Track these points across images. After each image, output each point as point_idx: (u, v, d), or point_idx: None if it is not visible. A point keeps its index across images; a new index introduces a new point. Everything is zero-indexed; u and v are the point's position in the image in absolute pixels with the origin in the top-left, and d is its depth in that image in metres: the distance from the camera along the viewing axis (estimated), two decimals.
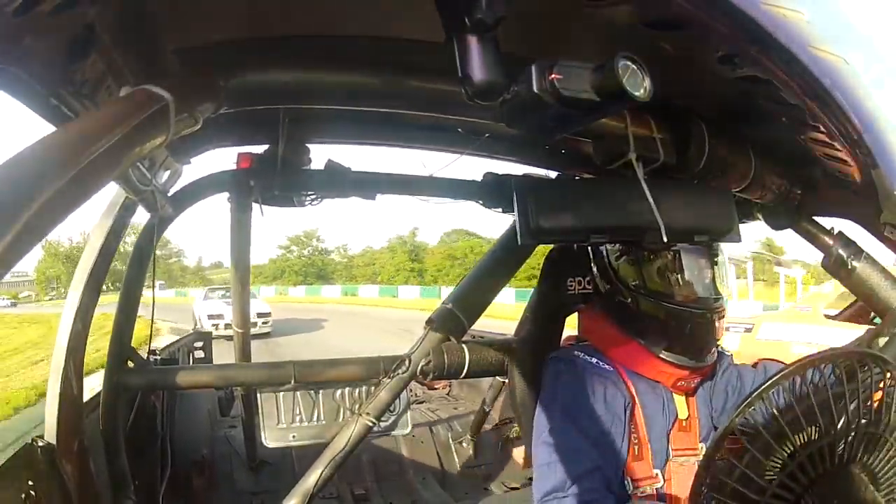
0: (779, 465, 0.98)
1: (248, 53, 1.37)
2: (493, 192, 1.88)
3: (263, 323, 19.93)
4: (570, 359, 1.69)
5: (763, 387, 0.98)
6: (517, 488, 3.58)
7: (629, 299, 1.67)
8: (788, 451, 0.97)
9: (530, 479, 3.31)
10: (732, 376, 1.78)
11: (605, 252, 1.74)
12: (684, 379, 1.64)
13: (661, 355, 1.62)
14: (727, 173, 1.71)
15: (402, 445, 3.71)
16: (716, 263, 1.70)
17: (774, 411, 0.98)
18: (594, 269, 1.80)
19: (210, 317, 18.46)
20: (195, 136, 1.29)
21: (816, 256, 1.83)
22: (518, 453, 3.74)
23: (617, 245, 1.72)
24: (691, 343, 1.63)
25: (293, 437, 2.17)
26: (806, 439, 0.97)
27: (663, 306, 1.62)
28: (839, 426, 0.97)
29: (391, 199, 1.98)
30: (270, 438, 2.16)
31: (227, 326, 18.63)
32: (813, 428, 0.97)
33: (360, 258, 76.81)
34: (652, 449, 1.60)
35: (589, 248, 1.81)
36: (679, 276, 1.66)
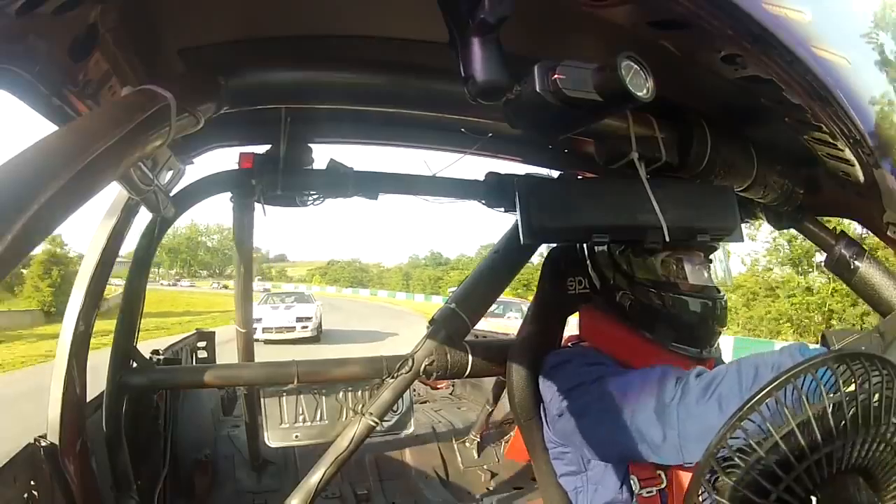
0: (775, 478, 0.96)
1: (249, 53, 1.37)
2: (495, 191, 1.88)
3: (303, 328, 19.85)
4: (570, 351, 1.69)
5: (755, 398, 0.97)
6: (521, 488, 3.57)
7: (634, 293, 1.66)
8: (785, 465, 0.96)
9: (533, 478, 3.32)
10: None
11: (608, 248, 1.74)
12: None
13: (671, 346, 1.61)
14: (729, 173, 1.71)
15: (404, 445, 3.70)
16: (711, 259, 1.71)
17: (768, 425, 0.96)
18: (589, 267, 1.80)
19: None
20: (197, 135, 1.29)
21: None
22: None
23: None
24: (699, 332, 1.63)
25: (296, 436, 2.17)
26: (803, 450, 0.95)
27: (671, 296, 1.62)
28: (839, 434, 0.96)
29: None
30: (273, 438, 2.16)
31: (266, 330, 18.88)
32: (811, 437, 0.95)
33: (387, 271, 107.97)
34: None
35: (584, 246, 1.81)
36: (685, 267, 1.66)
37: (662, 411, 1.32)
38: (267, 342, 18.22)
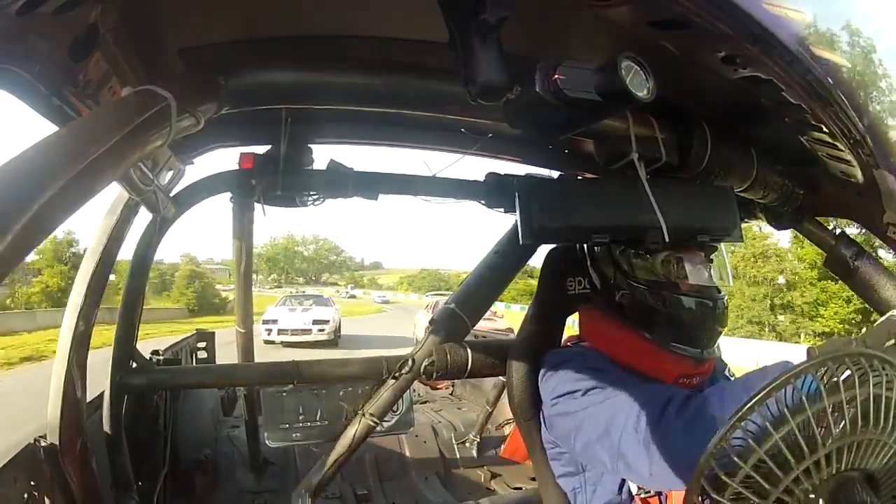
0: (775, 479, 0.96)
1: (250, 54, 1.37)
2: (495, 192, 1.88)
3: (319, 331, 19.66)
4: (570, 352, 1.69)
5: (755, 398, 0.96)
6: (520, 488, 3.58)
7: (634, 293, 1.66)
8: (784, 466, 0.95)
9: (533, 478, 3.33)
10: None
11: (608, 248, 1.73)
12: (687, 375, 1.63)
13: (670, 347, 1.60)
14: (729, 173, 1.71)
15: (404, 445, 3.71)
16: (712, 259, 1.71)
17: (767, 425, 0.96)
18: (589, 267, 1.79)
19: (264, 322, 18.79)
20: (197, 136, 1.29)
21: None
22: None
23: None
24: (699, 332, 1.61)
25: (296, 436, 2.17)
26: (803, 450, 0.95)
27: (671, 296, 1.61)
28: (838, 434, 0.95)
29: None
30: (273, 438, 2.16)
31: (281, 332, 18.97)
32: (810, 438, 0.95)
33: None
34: None
35: (584, 245, 1.81)
36: (685, 268, 1.65)
37: (647, 441, 1.32)
38: (284, 344, 18.15)
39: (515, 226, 1.83)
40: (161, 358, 2.72)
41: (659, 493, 1.55)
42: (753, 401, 0.95)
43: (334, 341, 19.97)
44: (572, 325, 1.96)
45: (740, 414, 0.96)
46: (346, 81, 1.39)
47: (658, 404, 1.35)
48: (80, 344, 1.69)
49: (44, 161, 0.72)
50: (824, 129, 1.29)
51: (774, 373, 1.19)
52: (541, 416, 1.73)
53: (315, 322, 19.84)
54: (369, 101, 1.47)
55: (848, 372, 0.96)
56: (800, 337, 31.53)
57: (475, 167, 2.06)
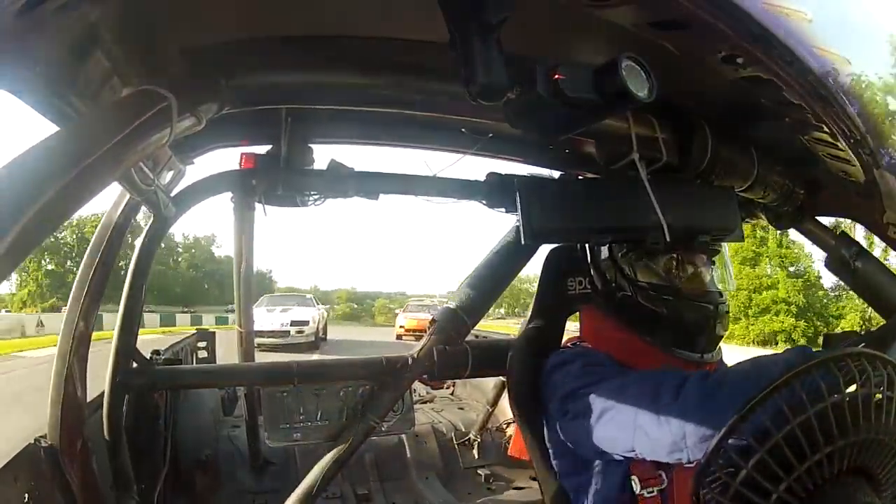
0: (777, 478, 0.96)
1: (251, 54, 1.37)
2: (496, 192, 1.87)
3: (297, 332, 18.56)
4: (573, 352, 1.69)
5: (757, 398, 0.96)
6: (521, 488, 3.58)
7: (634, 294, 1.65)
8: (786, 465, 0.95)
9: (533, 478, 3.34)
10: None
11: (609, 250, 1.73)
12: None
13: (671, 351, 1.60)
14: (729, 173, 1.71)
15: (405, 445, 3.71)
16: (714, 262, 1.70)
17: (769, 424, 0.96)
18: (591, 268, 1.79)
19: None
20: (198, 135, 1.29)
21: None
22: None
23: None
24: (699, 336, 1.61)
25: (296, 436, 2.16)
26: (804, 450, 0.95)
27: (672, 300, 1.60)
28: (840, 434, 0.95)
29: None
30: (273, 438, 2.15)
31: (257, 335, 17.35)
32: (812, 437, 0.95)
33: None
34: None
35: (587, 246, 1.81)
36: (686, 270, 1.65)
37: (666, 411, 1.29)
38: (261, 348, 15.69)
39: (516, 226, 1.83)
40: (161, 358, 2.72)
41: (662, 491, 1.54)
42: (755, 400, 0.95)
43: (314, 344, 18.91)
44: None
45: (742, 413, 0.96)
46: (347, 81, 1.40)
47: (676, 378, 1.33)
48: (80, 344, 1.68)
49: (44, 161, 0.72)
50: (824, 129, 1.29)
51: (793, 358, 1.18)
52: (542, 416, 1.73)
53: (293, 323, 18.77)
54: (370, 101, 1.47)
55: (849, 372, 0.97)
56: None
57: (476, 167, 2.06)
